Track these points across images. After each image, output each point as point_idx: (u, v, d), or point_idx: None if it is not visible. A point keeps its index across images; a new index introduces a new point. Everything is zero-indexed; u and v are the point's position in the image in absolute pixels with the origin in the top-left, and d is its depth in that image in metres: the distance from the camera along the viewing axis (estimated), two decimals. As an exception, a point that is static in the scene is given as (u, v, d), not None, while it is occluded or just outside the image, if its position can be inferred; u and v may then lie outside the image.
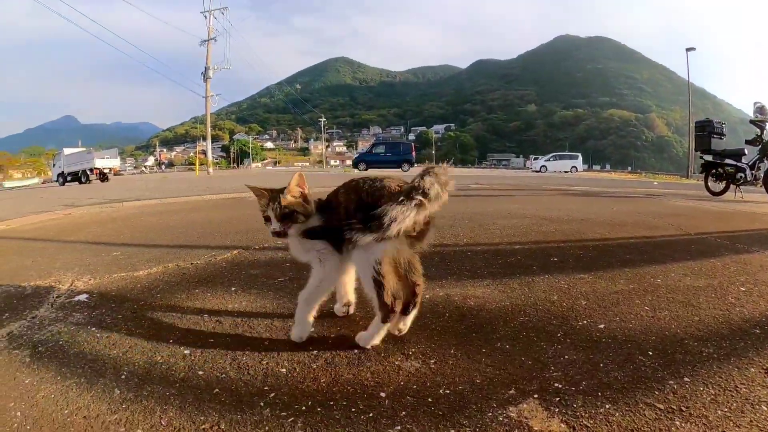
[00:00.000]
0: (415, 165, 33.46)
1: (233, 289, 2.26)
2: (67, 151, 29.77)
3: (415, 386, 1.25)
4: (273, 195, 1.58)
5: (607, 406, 1.11)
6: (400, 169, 28.16)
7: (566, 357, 1.39)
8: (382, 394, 1.21)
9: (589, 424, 1.04)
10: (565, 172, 35.44)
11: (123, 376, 1.35)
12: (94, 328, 1.77)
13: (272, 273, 2.54)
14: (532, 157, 57.78)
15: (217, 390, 1.25)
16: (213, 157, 33.48)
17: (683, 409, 1.11)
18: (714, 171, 8.69)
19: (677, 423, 1.05)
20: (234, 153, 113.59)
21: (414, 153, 31.51)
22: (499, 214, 4.92)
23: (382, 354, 1.46)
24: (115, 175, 28.93)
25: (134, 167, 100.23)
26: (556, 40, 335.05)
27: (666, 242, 3.43)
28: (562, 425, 1.03)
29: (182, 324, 1.80)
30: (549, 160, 40.13)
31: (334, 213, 1.58)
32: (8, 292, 2.34)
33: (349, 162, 56.90)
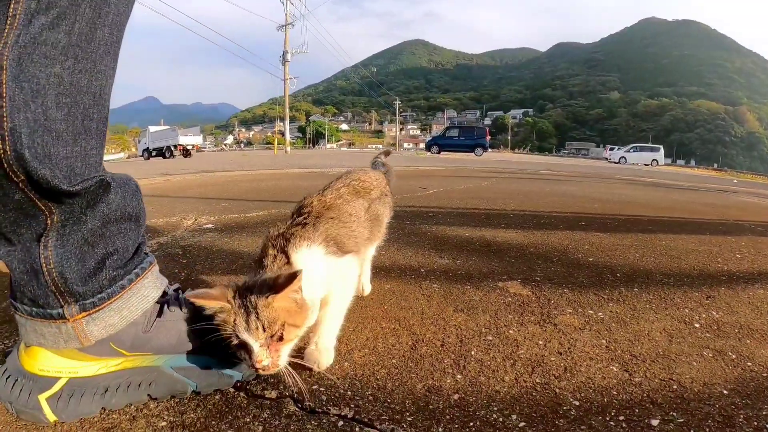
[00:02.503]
0: (489, 150, 33.12)
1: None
2: (152, 128, 32.42)
3: (443, 269, 1.93)
4: (244, 304, 0.99)
5: (565, 290, 1.71)
6: (473, 153, 28.25)
7: (552, 269, 1.99)
8: (422, 270, 1.90)
9: (546, 294, 1.65)
10: (645, 165, 34.19)
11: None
12: (225, 239, 2.53)
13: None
14: (608, 147, 55.71)
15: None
16: (290, 137, 35.09)
17: (619, 299, 1.64)
18: None
19: (610, 304, 1.59)
20: (310, 134, 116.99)
21: (488, 138, 31.20)
22: (554, 194, 5.39)
23: (426, 256, 2.14)
24: (197, 151, 31.01)
25: (214, 145, 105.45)
26: (641, 23, 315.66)
27: (696, 222, 3.72)
28: (528, 292, 1.65)
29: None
30: (629, 152, 38.91)
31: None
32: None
33: (422, 145, 57.21)
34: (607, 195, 5.59)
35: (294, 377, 1.01)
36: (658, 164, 35.93)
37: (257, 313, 0.96)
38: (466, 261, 2.07)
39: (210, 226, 2.97)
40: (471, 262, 2.06)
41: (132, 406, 0.97)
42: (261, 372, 0.98)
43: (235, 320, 0.97)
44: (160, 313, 1.04)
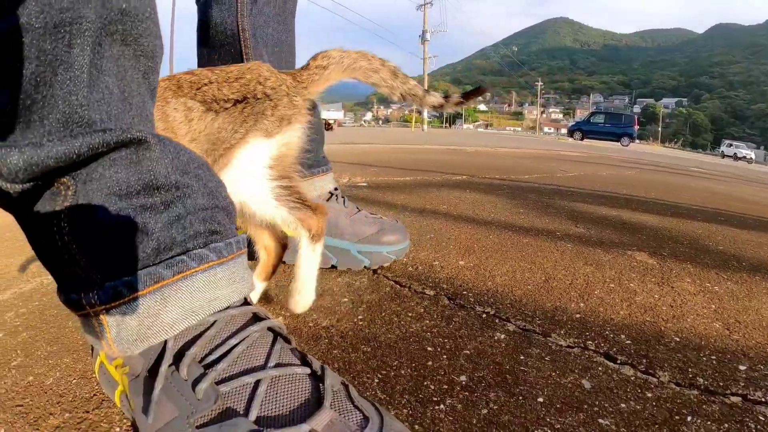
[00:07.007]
0: (636, 141, 30.83)
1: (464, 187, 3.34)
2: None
3: (577, 235, 2.18)
4: None
5: (688, 265, 1.87)
6: (618, 143, 26.67)
7: (680, 249, 2.13)
8: (557, 233, 2.17)
9: (670, 265, 1.83)
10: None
11: (407, 211, 2.49)
12: (378, 193, 2.99)
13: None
14: (727, 143, 49.00)
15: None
16: (427, 116, 35.66)
17: (739, 281, 1.73)
18: None
19: (728, 283, 1.70)
20: (447, 114, 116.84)
21: (636, 127, 29.07)
22: (697, 188, 5.19)
23: (562, 223, 2.39)
24: (338, 126, 32.89)
25: (354, 121, 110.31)
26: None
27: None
28: (654, 261, 1.85)
29: (431, 195, 2.91)
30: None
31: None
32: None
33: (564, 130, 54.65)
34: (755, 197, 5.25)
35: None
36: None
37: None
38: (599, 232, 2.27)
39: (364, 184, 3.45)
40: (604, 233, 2.26)
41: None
42: None
43: None
44: None
